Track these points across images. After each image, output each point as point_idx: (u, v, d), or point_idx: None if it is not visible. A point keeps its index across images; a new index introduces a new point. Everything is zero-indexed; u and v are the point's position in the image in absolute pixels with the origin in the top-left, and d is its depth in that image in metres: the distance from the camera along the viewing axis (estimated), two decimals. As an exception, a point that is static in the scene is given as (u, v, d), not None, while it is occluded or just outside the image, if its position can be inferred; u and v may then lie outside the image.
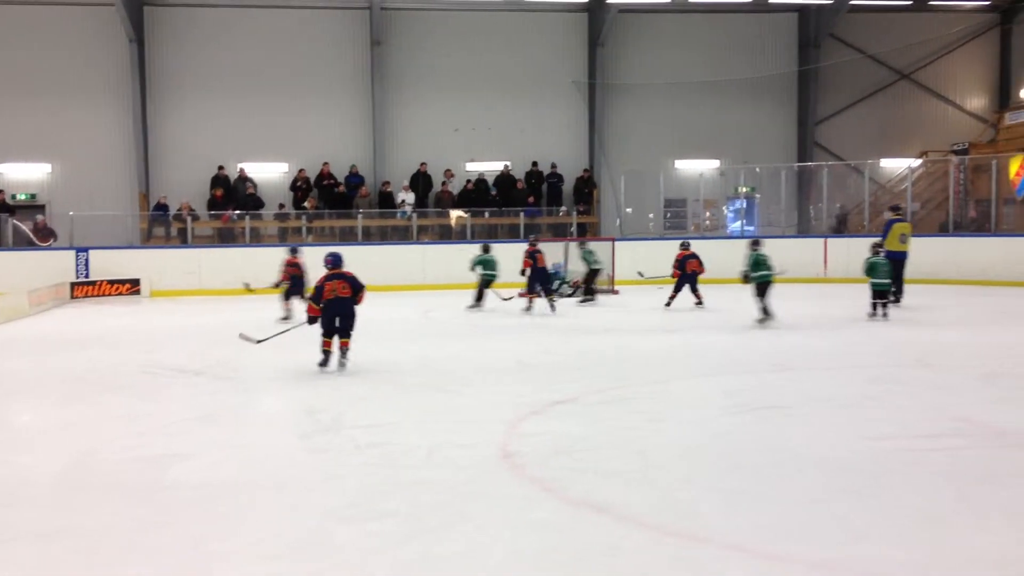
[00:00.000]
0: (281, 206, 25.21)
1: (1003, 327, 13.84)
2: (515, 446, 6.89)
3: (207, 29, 25.78)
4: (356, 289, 10.51)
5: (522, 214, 24.68)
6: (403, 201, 25.18)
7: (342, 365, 10.49)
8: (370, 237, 24.50)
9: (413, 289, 21.59)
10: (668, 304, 17.02)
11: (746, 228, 26.90)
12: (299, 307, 15.10)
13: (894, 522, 5.18)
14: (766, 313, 14.17)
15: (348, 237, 24.15)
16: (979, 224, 23.77)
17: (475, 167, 26.53)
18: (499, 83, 26.75)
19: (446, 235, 24.25)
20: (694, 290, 17.02)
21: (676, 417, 7.98)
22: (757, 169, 26.59)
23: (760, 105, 27.95)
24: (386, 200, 25.29)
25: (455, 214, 24.97)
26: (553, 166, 26.56)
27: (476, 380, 9.84)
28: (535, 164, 26.46)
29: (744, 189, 27.00)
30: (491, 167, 26.52)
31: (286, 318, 15.05)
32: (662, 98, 27.24)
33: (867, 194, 25.43)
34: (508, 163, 26.42)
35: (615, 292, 20.37)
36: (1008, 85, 29.16)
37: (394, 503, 5.58)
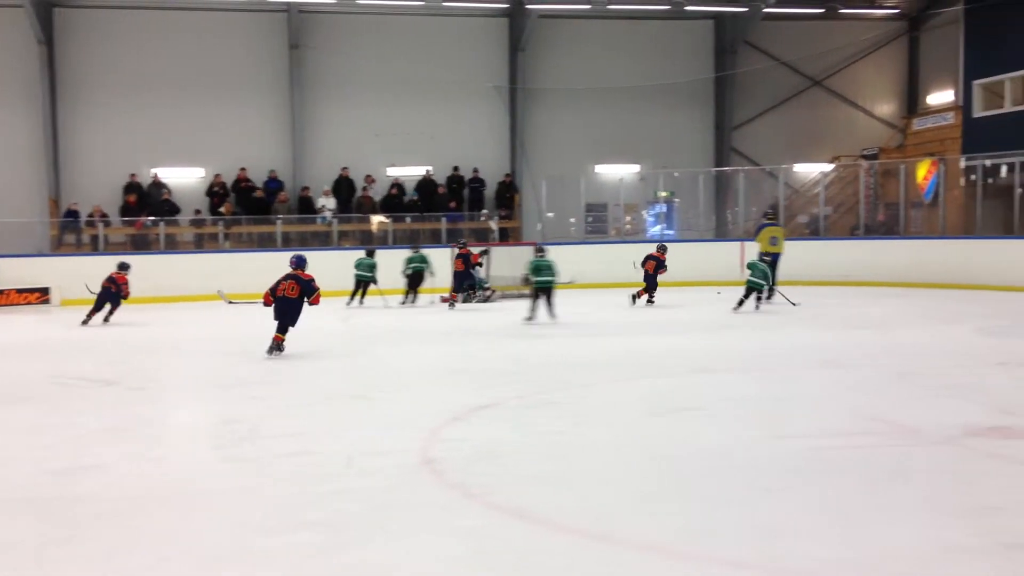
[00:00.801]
0: (197, 212, 24.75)
1: (914, 327, 14.22)
2: (437, 452, 6.84)
3: (120, 31, 25.18)
4: (305, 292, 11.50)
5: (444, 219, 24.62)
6: (323, 207, 24.92)
7: (269, 352, 11.45)
8: (289, 243, 24.19)
9: (334, 295, 21.30)
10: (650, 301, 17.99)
11: (666, 232, 27.23)
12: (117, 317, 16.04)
13: (808, 520, 5.27)
14: (531, 315, 15.17)
15: (267, 243, 23.83)
16: (888, 227, 24.41)
17: (396, 172, 26.38)
18: (420, 87, 26.63)
19: (367, 241, 24.06)
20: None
21: (599, 420, 8.01)
22: (676, 174, 26.91)
23: (678, 110, 28.31)
24: (306, 205, 25.01)
25: (376, 219, 24.81)
26: (475, 171, 26.54)
27: (398, 386, 9.76)
28: (456, 169, 26.42)
29: (664, 193, 27.31)
30: (412, 172, 26.40)
31: (84, 322, 16.10)
32: (583, 103, 27.40)
33: (782, 198, 25.93)
34: (430, 168, 26.33)
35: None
36: (916, 92, 29.99)
37: (314, 514, 5.49)
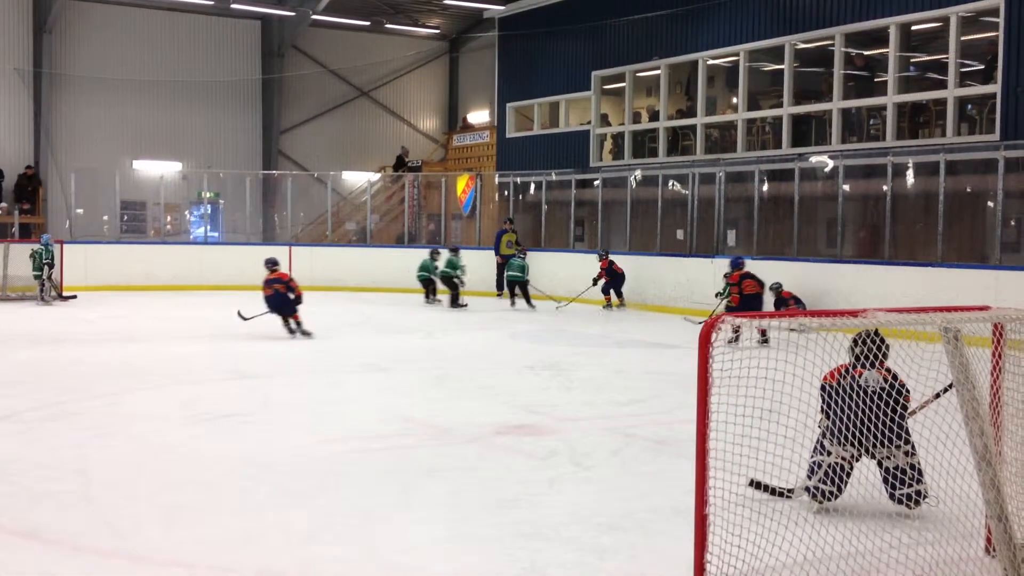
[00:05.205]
0: None
1: (455, 332, 14.82)
2: (-75, 474, 5.96)
3: None
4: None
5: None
6: None
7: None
8: None
9: None
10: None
11: (210, 234, 26.36)
12: None
13: (340, 522, 5.26)
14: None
15: None
16: (432, 236, 25.50)
17: None
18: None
19: None
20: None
21: (125, 432, 7.44)
22: (221, 174, 26.12)
23: (224, 110, 27.53)
24: None
25: None
26: (-9, 160, 23.86)
27: None
28: (-32, 157, 23.57)
29: (208, 194, 26.41)
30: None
31: None
32: (119, 94, 25.68)
33: (330, 205, 26.13)
34: (-64, 154, 23.22)
35: (73, 297, 18.81)
36: (456, 109, 31.75)
37: None
